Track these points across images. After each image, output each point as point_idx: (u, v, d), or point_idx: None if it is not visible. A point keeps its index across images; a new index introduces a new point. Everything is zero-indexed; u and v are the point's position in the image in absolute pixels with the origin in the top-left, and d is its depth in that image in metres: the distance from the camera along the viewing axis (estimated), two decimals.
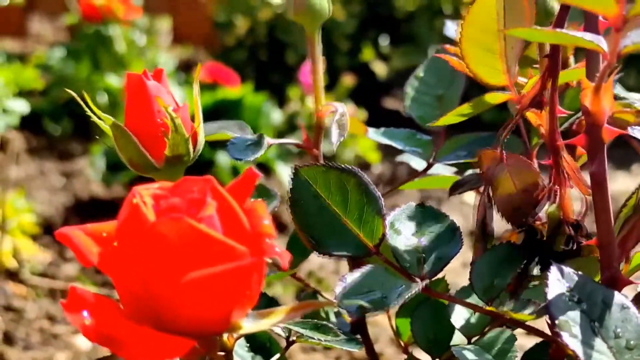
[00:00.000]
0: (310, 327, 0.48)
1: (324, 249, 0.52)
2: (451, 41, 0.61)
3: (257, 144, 0.54)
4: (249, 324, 0.40)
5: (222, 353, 0.40)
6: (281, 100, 2.38)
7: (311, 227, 0.52)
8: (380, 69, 2.86)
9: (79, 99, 0.51)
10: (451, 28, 0.66)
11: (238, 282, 0.36)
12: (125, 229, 0.37)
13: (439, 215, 0.54)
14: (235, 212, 0.38)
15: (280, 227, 1.66)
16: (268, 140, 0.54)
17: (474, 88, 0.54)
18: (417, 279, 0.50)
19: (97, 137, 0.56)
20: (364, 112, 2.25)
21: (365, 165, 2.22)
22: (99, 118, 0.51)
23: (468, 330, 0.55)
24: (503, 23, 0.50)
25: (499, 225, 0.55)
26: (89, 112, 0.52)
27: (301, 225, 0.52)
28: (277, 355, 0.56)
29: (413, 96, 0.65)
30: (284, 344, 0.55)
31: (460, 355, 0.50)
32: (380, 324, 1.24)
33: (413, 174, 0.65)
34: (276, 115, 2.13)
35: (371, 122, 1.22)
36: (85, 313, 0.35)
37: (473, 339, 0.55)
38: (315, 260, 1.53)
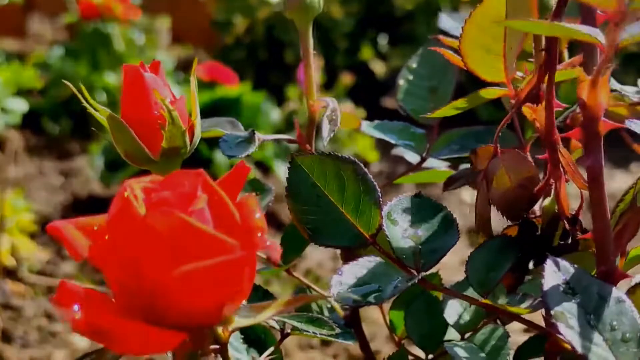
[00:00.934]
0: (305, 320, 0.48)
1: (320, 239, 0.51)
2: (445, 33, 0.61)
3: (249, 140, 0.53)
4: (242, 318, 0.39)
5: (217, 346, 0.40)
6: (280, 100, 2.38)
7: (308, 217, 0.51)
8: (379, 68, 2.86)
9: (78, 94, 0.51)
10: (445, 21, 0.66)
11: (229, 276, 0.36)
12: (116, 222, 0.36)
13: (436, 206, 0.53)
14: (226, 205, 0.38)
15: (278, 225, 1.66)
16: (259, 136, 0.54)
17: (468, 79, 0.54)
18: (413, 271, 0.49)
19: (95, 129, 0.55)
20: (362, 111, 2.25)
21: (364, 164, 2.22)
22: (96, 110, 0.51)
23: (461, 326, 0.55)
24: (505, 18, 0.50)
25: (498, 220, 0.54)
26: (86, 105, 0.51)
27: (297, 214, 0.51)
28: (272, 349, 0.55)
29: (406, 89, 0.65)
30: (279, 337, 0.55)
31: (452, 351, 0.49)
32: (377, 322, 1.24)
33: (408, 169, 0.65)
34: (275, 114, 2.13)
35: (370, 121, 1.22)
36: (75, 307, 0.34)
37: (466, 335, 0.55)
38: (313, 258, 1.53)
